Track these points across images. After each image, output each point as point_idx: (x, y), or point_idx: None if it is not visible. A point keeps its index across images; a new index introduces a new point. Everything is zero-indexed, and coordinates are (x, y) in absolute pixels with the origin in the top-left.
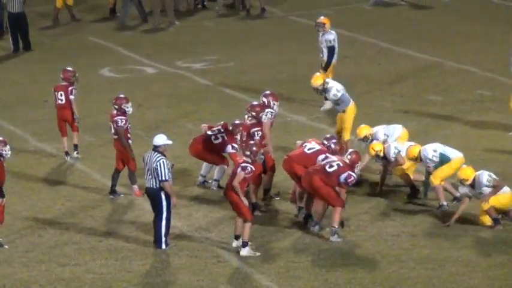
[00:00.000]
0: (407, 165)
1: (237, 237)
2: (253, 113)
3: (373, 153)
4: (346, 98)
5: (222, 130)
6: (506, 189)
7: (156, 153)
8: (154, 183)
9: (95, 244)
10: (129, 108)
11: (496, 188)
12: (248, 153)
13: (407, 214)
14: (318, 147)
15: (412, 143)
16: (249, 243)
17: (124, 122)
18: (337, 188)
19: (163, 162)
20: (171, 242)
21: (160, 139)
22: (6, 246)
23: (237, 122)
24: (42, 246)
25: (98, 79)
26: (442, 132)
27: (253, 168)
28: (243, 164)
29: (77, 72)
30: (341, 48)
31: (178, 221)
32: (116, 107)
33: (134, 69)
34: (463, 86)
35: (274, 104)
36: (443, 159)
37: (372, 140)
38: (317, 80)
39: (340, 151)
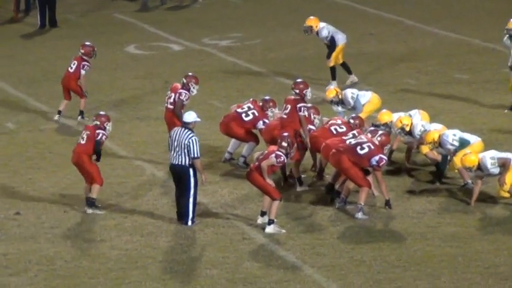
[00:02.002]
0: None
1: (262, 214)
2: (297, 90)
3: (399, 125)
4: (359, 103)
5: (252, 107)
6: None
7: (186, 130)
8: (183, 160)
9: (120, 220)
10: (194, 89)
11: (505, 167)
12: (285, 144)
13: (433, 192)
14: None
15: (438, 125)
16: (275, 220)
17: (187, 98)
18: (370, 169)
19: (195, 139)
20: (197, 219)
21: (191, 116)
22: (101, 212)
23: (266, 97)
24: (68, 222)
25: (123, 56)
26: (467, 111)
27: (286, 160)
28: (278, 152)
29: (96, 47)
30: (366, 26)
31: (204, 198)
32: (184, 81)
33: (160, 46)
34: (488, 65)
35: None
36: (463, 143)
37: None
38: (330, 93)
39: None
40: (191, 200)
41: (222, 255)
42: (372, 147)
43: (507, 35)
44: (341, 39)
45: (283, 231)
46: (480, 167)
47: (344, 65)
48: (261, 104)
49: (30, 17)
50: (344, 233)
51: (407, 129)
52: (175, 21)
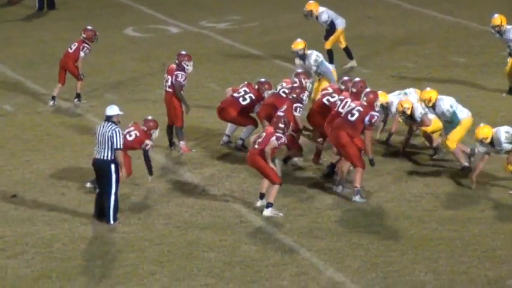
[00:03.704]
0: (432, 127)
1: (261, 196)
2: (294, 95)
3: (400, 108)
4: (326, 67)
5: (248, 90)
6: None
7: (109, 123)
8: (105, 155)
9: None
10: (189, 66)
11: None
12: (281, 125)
13: (430, 175)
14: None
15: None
16: (273, 203)
17: (184, 78)
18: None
19: (118, 131)
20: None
21: (113, 110)
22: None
23: (262, 80)
24: (65, 204)
25: (121, 38)
26: (466, 94)
27: (286, 140)
28: (277, 134)
29: (98, 31)
30: (364, 9)
31: (202, 181)
32: (177, 62)
33: (158, 29)
34: (486, 48)
35: (306, 82)
36: (454, 119)
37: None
38: (298, 45)
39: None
40: (113, 197)
41: (220, 238)
42: (361, 109)
43: (494, 32)
44: (340, 23)
45: (281, 214)
46: (492, 141)
47: (346, 50)
48: (256, 87)
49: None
50: (341, 216)
51: (409, 112)
52: (173, 3)
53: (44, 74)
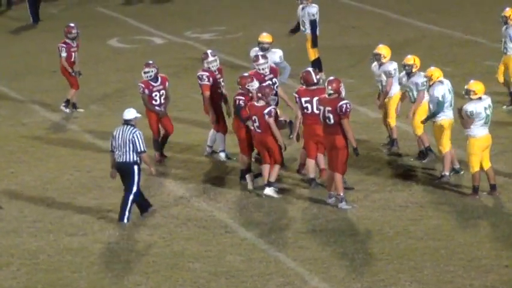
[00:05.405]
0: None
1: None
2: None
3: (410, 62)
4: (286, 64)
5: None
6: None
7: (128, 126)
8: (127, 157)
9: (103, 214)
10: (145, 73)
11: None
12: (260, 95)
13: (415, 185)
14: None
15: None
16: (275, 185)
17: (142, 90)
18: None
19: (139, 133)
20: (178, 213)
21: (131, 113)
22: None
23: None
24: (51, 216)
25: (106, 49)
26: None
27: (275, 108)
28: (266, 111)
29: (77, 29)
30: (349, 19)
31: (187, 192)
32: None
33: (143, 40)
34: (471, 57)
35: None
36: (439, 105)
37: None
38: (268, 38)
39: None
40: (131, 198)
41: (205, 248)
42: (330, 108)
43: (502, 22)
44: (317, 31)
45: (280, 196)
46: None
47: (315, 62)
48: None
49: (13, 11)
50: (326, 226)
51: (414, 69)
52: (158, 14)
53: (29, 85)
